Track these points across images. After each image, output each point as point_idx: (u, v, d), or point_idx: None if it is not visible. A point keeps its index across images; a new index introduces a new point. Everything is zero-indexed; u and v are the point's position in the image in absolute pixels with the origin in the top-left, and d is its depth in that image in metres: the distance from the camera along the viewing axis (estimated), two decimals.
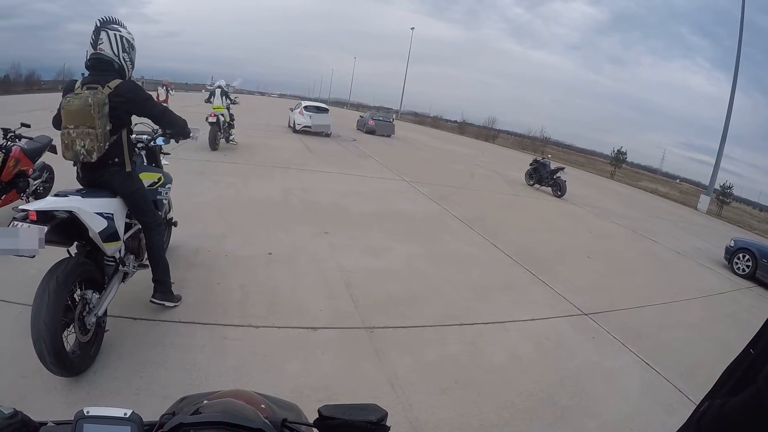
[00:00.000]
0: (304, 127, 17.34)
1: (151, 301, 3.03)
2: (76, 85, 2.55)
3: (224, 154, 9.84)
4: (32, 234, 2.16)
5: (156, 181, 3.26)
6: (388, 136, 23.95)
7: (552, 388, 2.97)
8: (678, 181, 51.19)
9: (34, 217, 2.22)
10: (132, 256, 2.99)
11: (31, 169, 4.82)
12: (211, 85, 12.81)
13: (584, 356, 3.51)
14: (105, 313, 2.56)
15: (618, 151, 33.31)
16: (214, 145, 9.96)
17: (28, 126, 4.94)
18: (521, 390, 2.87)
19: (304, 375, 2.64)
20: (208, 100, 11.20)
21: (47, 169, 5.25)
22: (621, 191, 21.31)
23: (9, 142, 4.53)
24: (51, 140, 5.31)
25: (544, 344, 3.56)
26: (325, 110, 18.79)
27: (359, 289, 3.95)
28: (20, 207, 2.28)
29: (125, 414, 0.64)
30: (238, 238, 4.69)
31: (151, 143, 3.49)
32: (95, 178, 2.68)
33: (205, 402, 0.72)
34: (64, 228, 2.35)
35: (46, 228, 2.21)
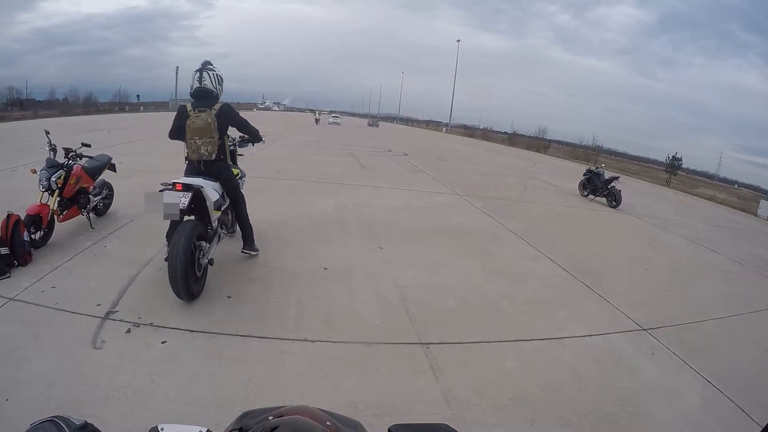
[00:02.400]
0: (331, 121, 40.89)
1: (242, 251, 4.42)
2: (189, 109, 3.80)
3: (280, 172, 10.12)
4: (177, 196, 3.39)
5: (237, 174, 4.52)
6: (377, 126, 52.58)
7: (610, 406, 2.87)
8: (736, 186, 48.00)
9: (180, 188, 3.44)
10: (223, 227, 4.36)
11: (91, 187, 5.13)
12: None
13: (643, 373, 3.37)
14: (211, 260, 3.69)
15: (673, 157, 31.88)
16: None
17: (89, 146, 5.27)
18: (579, 408, 2.78)
19: (359, 390, 2.66)
20: None
21: (107, 186, 5.59)
22: (677, 199, 20.35)
23: (71, 161, 4.83)
24: (110, 159, 5.66)
25: (603, 361, 3.44)
26: (338, 116, 49.62)
27: (415, 304, 3.93)
28: (164, 182, 3.47)
29: (202, 430, 0.62)
30: (294, 254, 4.79)
31: (232, 147, 4.53)
32: (210, 169, 3.92)
33: (271, 419, 0.71)
34: (189, 203, 3.46)
35: (190, 194, 3.46)
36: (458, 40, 66.33)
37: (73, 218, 4.90)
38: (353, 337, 3.25)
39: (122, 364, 2.67)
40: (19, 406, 2.21)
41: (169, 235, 3.76)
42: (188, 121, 3.74)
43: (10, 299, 3.33)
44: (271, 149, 11.59)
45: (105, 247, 4.60)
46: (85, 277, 3.81)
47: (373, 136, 31.59)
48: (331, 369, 2.84)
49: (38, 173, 4.49)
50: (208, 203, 3.67)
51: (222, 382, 2.58)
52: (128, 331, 3.04)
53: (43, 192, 4.46)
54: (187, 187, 3.47)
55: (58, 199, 4.55)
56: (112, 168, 5.71)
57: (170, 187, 3.41)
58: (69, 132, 11.51)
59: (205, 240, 3.66)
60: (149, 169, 8.95)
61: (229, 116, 3.94)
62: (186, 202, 3.40)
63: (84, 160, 5.10)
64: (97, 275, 3.86)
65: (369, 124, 57.51)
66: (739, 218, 17.12)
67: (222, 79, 3.99)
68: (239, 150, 4.81)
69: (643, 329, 4.12)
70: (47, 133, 4.92)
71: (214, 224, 3.94)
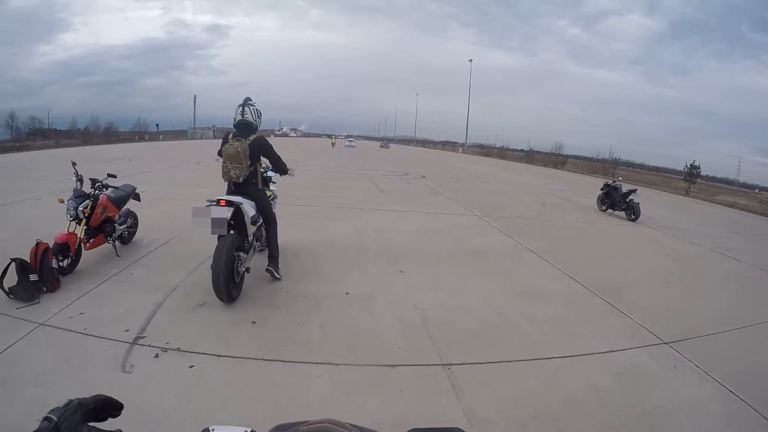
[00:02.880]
0: (347, 145, 51.69)
1: (266, 269, 4.71)
2: (229, 137, 4.40)
3: (300, 198, 10.31)
4: (223, 211, 3.96)
5: (270, 195, 5.11)
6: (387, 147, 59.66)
7: (633, 421, 2.88)
8: (757, 190, 46.68)
9: (223, 204, 4.02)
10: (258, 240, 4.88)
11: (117, 216, 5.32)
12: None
13: (665, 387, 3.36)
14: (247, 268, 4.31)
15: (691, 165, 31.42)
16: None
17: (114, 176, 5.49)
18: (601, 425, 2.81)
19: (383, 411, 2.73)
20: None
21: (132, 215, 5.80)
22: (697, 208, 20.17)
23: (97, 191, 5.01)
24: (135, 189, 5.89)
25: (624, 376, 3.45)
26: (353, 140, 63.92)
27: (436, 325, 3.99)
28: (208, 199, 4.06)
29: (247, 431, 0.71)
30: (316, 279, 4.90)
31: (266, 174, 4.96)
32: (242, 191, 4.44)
33: (302, 428, 0.77)
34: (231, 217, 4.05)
35: (231, 209, 4.02)
36: (470, 60, 67.27)
37: (100, 246, 5.10)
38: (376, 359, 3.33)
39: (151, 387, 2.78)
40: None
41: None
42: (224, 147, 4.37)
43: (40, 324, 3.50)
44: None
45: (131, 274, 4.77)
46: (113, 304, 3.97)
47: (390, 160, 31.89)
48: (354, 391, 2.92)
49: (66, 203, 4.68)
50: (245, 218, 4.25)
51: (249, 405, 2.67)
52: (156, 355, 3.16)
53: (71, 221, 4.65)
54: (229, 203, 4.05)
55: (85, 227, 4.74)
56: (137, 197, 5.95)
57: (215, 203, 4.01)
58: (90, 161, 11.94)
59: (242, 251, 4.23)
60: (171, 198, 9.28)
61: (261, 146, 4.48)
62: (229, 216, 4.00)
63: (110, 190, 5.31)
64: (124, 302, 4.02)
65: (381, 147, 65.93)
66: (762, 223, 16.90)
67: (261, 113, 4.61)
68: (272, 176, 5.26)
69: (665, 343, 4.11)
70: (74, 164, 5.15)
71: (250, 238, 4.48)
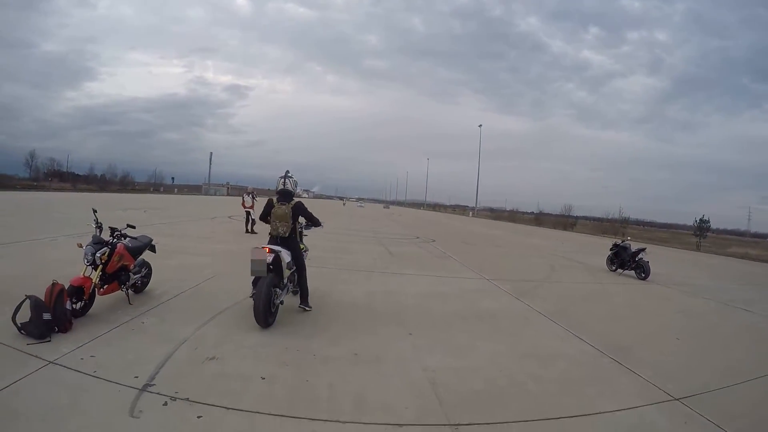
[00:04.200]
0: (358, 206, 61.98)
1: (299, 306, 5.94)
2: (274, 201, 5.72)
3: (310, 261, 10.46)
4: (267, 254, 5.21)
5: (303, 248, 6.31)
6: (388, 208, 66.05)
7: None
8: None
9: (267, 250, 5.26)
10: (290, 283, 5.88)
11: (132, 265, 5.48)
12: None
13: None
14: (281, 302, 5.46)
15: (700, 220, 31.34)
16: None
17: (134, 227, 5.73)
18: None
19: None
20: None
21: (146, 265, 5.98)
22: (709, 262, 20.09)
23: (115, 240, 5.22)
24: (151, 240, 6.11)
25: None
26: (363, 202, 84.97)
27: (444, 387, 4.01)
28: (255, 247, 5.23)
29: None
30: (325, 339, 4.96)
31: (300, 229, 6.23)
32: (284, 243, 5.63)
33: None
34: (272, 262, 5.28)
35: (273, 255, 5.29)
36: (480, 125, 69.14)
37: (113, 293, 5.26)
38: (384, 418, 3.35)
39: None
40: None
41: (254, 284, 5.31)
42: (273, 210, 5.68)
43: (50, 362, 3.62)
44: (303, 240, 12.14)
45: (142, 323, 4.89)
46: (123, 350, 4.07)
47: (400, 223, 32.24)
48: None
49: (84, 248, 4.87)
50: (283, 263, 5.41)
51: None
52: (165, 404, 3.23)
53: (87, 265, 4.82)
54: (272, 251, 5.30)
55: (101, 273, 4.90)
56: (152, 249, 6.17)
57: (260, 248, 5.22)
58: (106, 208, 12.31)
59: (278, 288, 5.34)
60: (185, 251, 9.51)
61: (300, 209, 5.78)
62: (271, 260, 5.22)
63: (127, 239, 5.52)
64: (135, 349, 4.13)
65: (384, 207, 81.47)
66: None
67: (297, 183, 5.97)
68: (305, 232, 6.53)
69: (675, 399, 4.09)
70: (95, 211, 5.43)
71: (285, 280, 5.55)
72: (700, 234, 31.34)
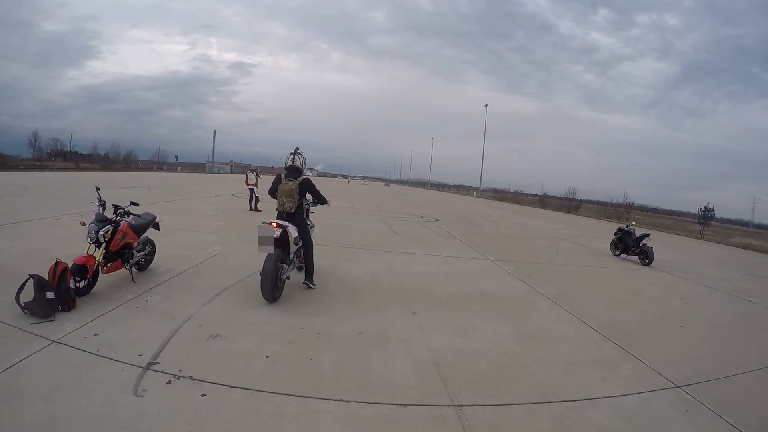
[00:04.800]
0: (362, 184, 62.62)
1: (303, 282, 5.98)
2: (282, 177, 5.72)
3: (315, 237, 10.46)
4: (274, 229, 5.24)
5: (310, 224, 6.33)
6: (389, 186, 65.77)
7: None
8: None
9: (275, 225, 5.29)
10: (296, 258, 6.01)
11: (136, 243, 5.45)
12: None
13: (677, 430, 3.36)
14: (288, 277, 5.51)
15: (705, 208, 31.21)
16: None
17: (137, 204, 5.70)
18: None
19: None
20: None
21: (150, 243, 5.96)
22: (712, 251, 20.03)
23: (119, 217, 5.18)
24: (155, 218, 6.07)
25: (635, 420, 3.44)
26: (366, 180, 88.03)
27: (447, 367, 4.02)
28: (263, 222, 5.31)
29: None
30: (330, 318, 4.97)
31: (307, 206, 6.12)
32: (290, 218, 5.67)
33: None
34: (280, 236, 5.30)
35: (281, 230, 5.32)
36: (486, 105, 68.47)
37: (117, 271, 5.25)
38: (387, 398, 3.36)
39: (162, 413, 2.87)
40: None
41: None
42: (280, 186, 5.70)
43: (54, 341, 3.63)
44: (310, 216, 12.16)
45: (146, 301, 4.89)
46: (127, 328, 4.08)
47: (404, 202, 32.14)
48: (365, 428, 2.95)
49: (87, 226, 4.84)
50: (290, 238, 5.48)
51: None
52: (169, 382, 3.25)
53: (91, 244, 4.80)
54: (279, 225, 5.34)
55: (104, 252, 4.88)
56: (156, 227, 6.14)
57: (268, 223, 5.29)
58: (110, 187, 12.29)
59: (285, 263, 5.42)
60: (188, 229, 9.50)
61: (307, 186, 5.80)
62: (278, 234, 5.26)
63: (131, 217, 5.48)
64: (139, 327, 4.14)
65: (385, 186, 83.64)
66: None
67: (306, 159, 5.98)
68: (312, 209, 6.45)
69: (677, 386, 4.09)
70: (98, 189, 5.34)
71: (291, 255, 5.66)
72: (704, 222, 31.19)
